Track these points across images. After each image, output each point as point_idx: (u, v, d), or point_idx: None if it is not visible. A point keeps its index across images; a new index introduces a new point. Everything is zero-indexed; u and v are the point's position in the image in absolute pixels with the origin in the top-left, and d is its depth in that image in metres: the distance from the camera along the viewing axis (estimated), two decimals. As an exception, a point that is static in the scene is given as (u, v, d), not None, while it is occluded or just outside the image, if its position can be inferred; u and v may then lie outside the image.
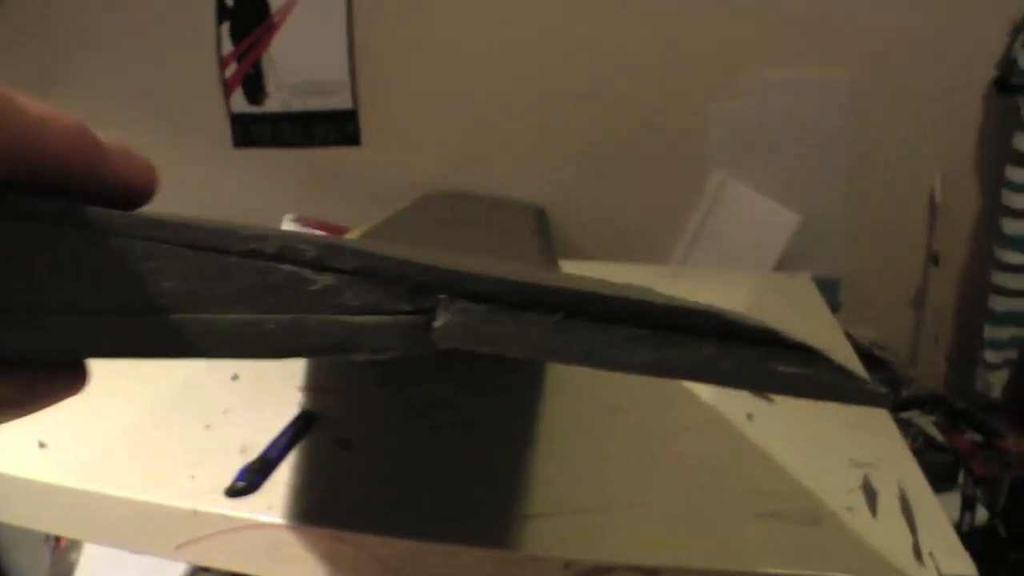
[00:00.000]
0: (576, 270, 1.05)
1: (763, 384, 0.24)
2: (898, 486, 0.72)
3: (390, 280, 0.22)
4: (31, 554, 1.48)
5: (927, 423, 1.82)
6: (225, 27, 2.31)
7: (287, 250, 0.21)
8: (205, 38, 2.35)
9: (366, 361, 0.32)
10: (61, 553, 1.30)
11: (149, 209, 0.24)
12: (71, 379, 0.22)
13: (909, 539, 0.65)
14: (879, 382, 0.83)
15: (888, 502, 0.70)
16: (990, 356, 2.12)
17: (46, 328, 0.20)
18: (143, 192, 0.23)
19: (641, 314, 0.22)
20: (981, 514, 1.61)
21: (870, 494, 0.71)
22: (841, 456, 0.77)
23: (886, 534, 0.65)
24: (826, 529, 0.66)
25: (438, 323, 0.22)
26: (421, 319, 0.22)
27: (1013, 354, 2.13)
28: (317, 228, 2.01)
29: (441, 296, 0.22)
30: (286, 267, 0.21)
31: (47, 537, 1.37)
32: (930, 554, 0.63)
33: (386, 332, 0.22)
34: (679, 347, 0.23)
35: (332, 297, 0.21)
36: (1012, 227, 2.03)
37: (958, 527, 1.54)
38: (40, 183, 0.20)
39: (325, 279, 0.21)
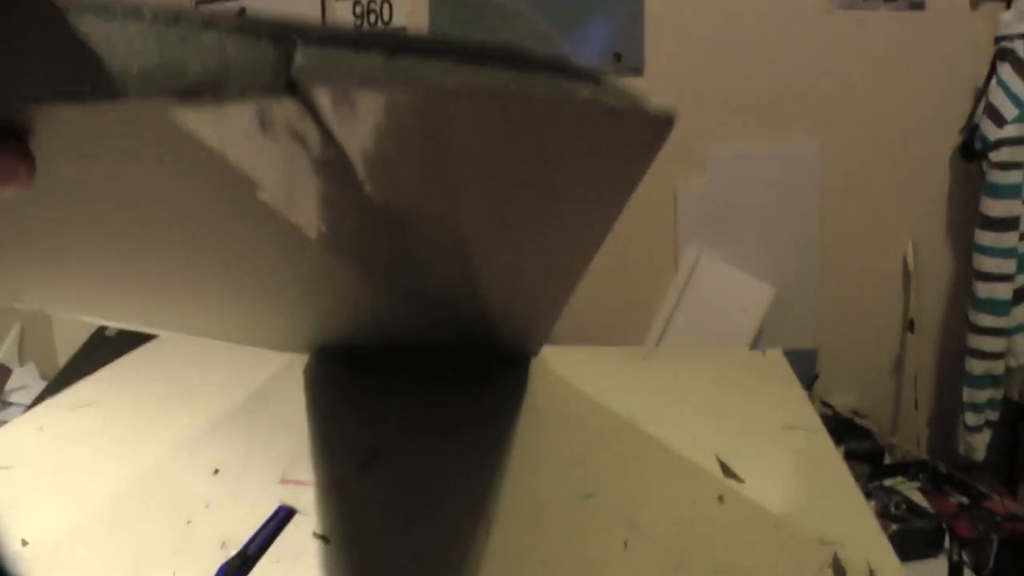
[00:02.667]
0: (551, 355, 1.07)
1: (561, 104, 0.28)
2: (867, 564, 0.73)
3: (257, 32, 0.27)
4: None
5: (911, 489, 1.82)
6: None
7: (183, 15, 0.26)
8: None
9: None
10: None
11: None
12: (21, 160, 0.27)
13: (878, 617, 0.66)
14: (861, 450, 0.84)
15: (858, 580, 0.71)
16: (970, 419, 2.14)
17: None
18: None
19: (453, 49, 0.27)
20: (969, 577, 1.61)
21: (839, 572, 0.72)
22: (811, 534, 0.78)
23: (855, 613, 0.67)
24: (796, 610, 0.67)
25: (296, 62, 0.26)
26: (282, 60, 0.26)
27: (993, 415, 2.15)
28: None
29: (297, 41, 0.27)
30: (185, 28, 0.26)
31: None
32: (898, 633, 0.64)
33: (255, 65, 0.26)
34: (485, 73, 0.27)
35: (217, 48, 0.26)
36: (985, 290, 2.06)
37: (945, 593, 1.54)
38: None
39: (210, 35, 0.26)
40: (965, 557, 1.61)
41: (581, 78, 0.29)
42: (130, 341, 1.25)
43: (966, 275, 2.15)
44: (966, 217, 2.18)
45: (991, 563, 1.67)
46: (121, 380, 1.17)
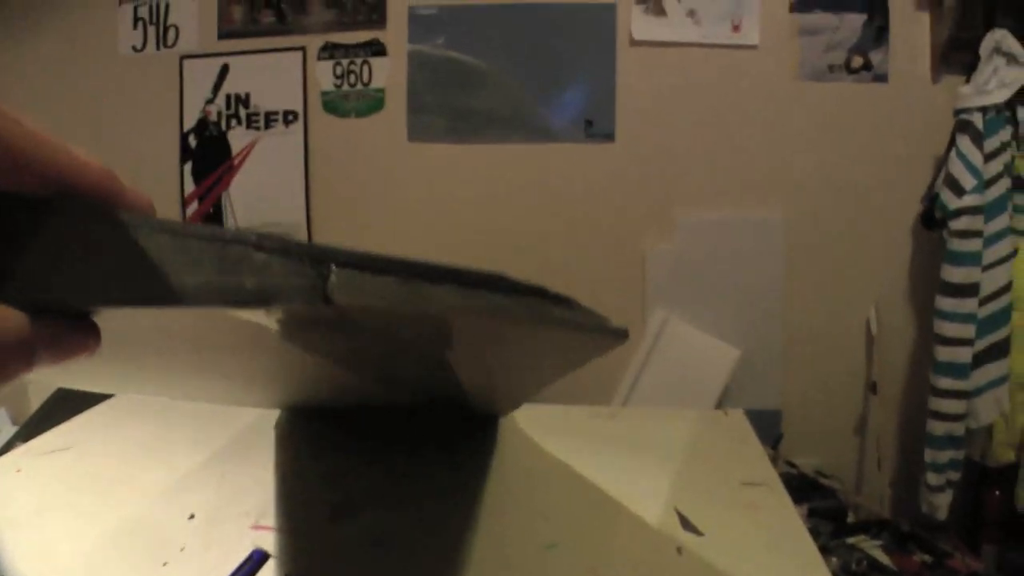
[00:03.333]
0: (520, 412, 1.10)
1: (541, 320, 0.36)
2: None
3: (299, 256, 0.32)
4: None
5: (873, 547, 1.85)
6: (188, 167, 2.39)
7: (238, 238, 0.31)
8: (169, 177, 2.42)
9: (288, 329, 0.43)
10: None
11: None
12: (89, 333, 0.32)
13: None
14: (825, 508, 0.88)
15: (809, 630, 0.74)
16: (932, 479, 2.17)
17: (72, 289, 0.29)
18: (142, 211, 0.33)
19: (455, 276, 0.34)
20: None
21: (792, 623, 0.75)
22: (766, 587, 0.81)
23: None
24: (748, 657, 0.70)
25: (330, 282, 0.32)
26: (320, 281, 0.32)
27: (955, 475, 2.19)
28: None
29: (332, 265, 0.33)
30: (237, 248, 0.31)
31: None
32: None
33: (298, 289, 0.32)
34: (482, 297, 0.34)
35: (265, 267, 0.32)
36: (945, 354, 2.11)
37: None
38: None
39: (261, 256, 0.32)
40: (926, 615, 1.64)
41: (558, 302, 0.37)
42: (105, 389, 1.26)
43: (927, 339, 2.20)
44: (927, 283, 2.24)
45: (953, 621, 1.70)
46: (97, 427, 1.19)
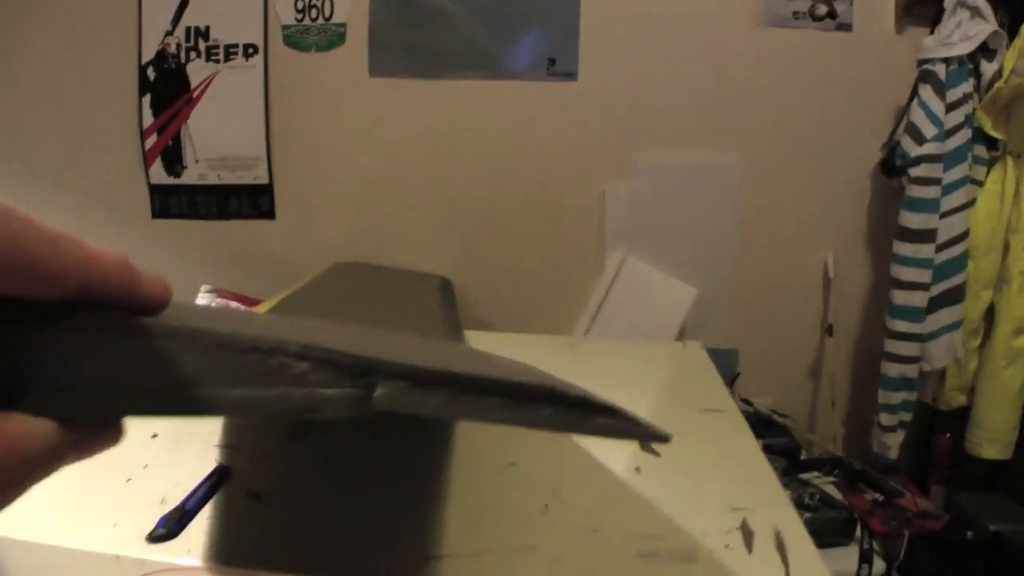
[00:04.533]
0: (479, 341, 1.11)
1: (585, 430, 0.36)
2: (773, 527, 0.78)
3: (345, 367, 0.32)
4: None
5: (826, 484, 1.88)
6: (146, 99, 2.35)
7: (279, 347, 0.31)
8: (127, 109, 2.38)
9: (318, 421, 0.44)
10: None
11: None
12: (115, 433, 0.31)
13: (782, 571, 0.70)
14: (779, 446, 0.89)
15: (764, 541, 0.76)
16: (884, 419, 2.21)
17: (104, 398, 0.29)
18: (162, 303, 0.31)
19: (502, 389, 0.35)
20: (879, 565, 1.66)
21: (747, 534, 0.77)
22: (722, 502, 0.83)
23: (760, 569, 0.71)
24: (703, 565, 0.71)
25: (377, 394, 0.33)
26: (366, 392, 0.33)
27: (907, 416, 2.23)
28: (233, 300, 2.03)
29: (378, 376, 0.33)
30: (279, 359, 0.31)
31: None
32: (798, 584, 0.69)
33: (343, 400, 0.32)
34: (530, 411, 0.35)
35: (309, 377, 0.32)
36: (901, 298, 2.14)
37: (855, 577, 1.60)
38: (99, 299, 0.29)
39: (303, 366, 0.31)
40: (876, 547, 1.68)
41: (602, 412, 0.37)
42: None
43: (883, 283, 2.23)
44: (885, 228, 2.26)
45: (901, 555, 1.74)
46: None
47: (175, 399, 0.29)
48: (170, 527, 0.74)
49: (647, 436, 0.39)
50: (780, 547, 0.75)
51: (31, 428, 0.26)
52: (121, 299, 0.29)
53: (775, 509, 0.83)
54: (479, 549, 0.72)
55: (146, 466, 0.87)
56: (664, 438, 0.40)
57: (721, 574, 0.70)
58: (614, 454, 0.92)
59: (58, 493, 0.81)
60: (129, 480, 0.84)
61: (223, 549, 0.71)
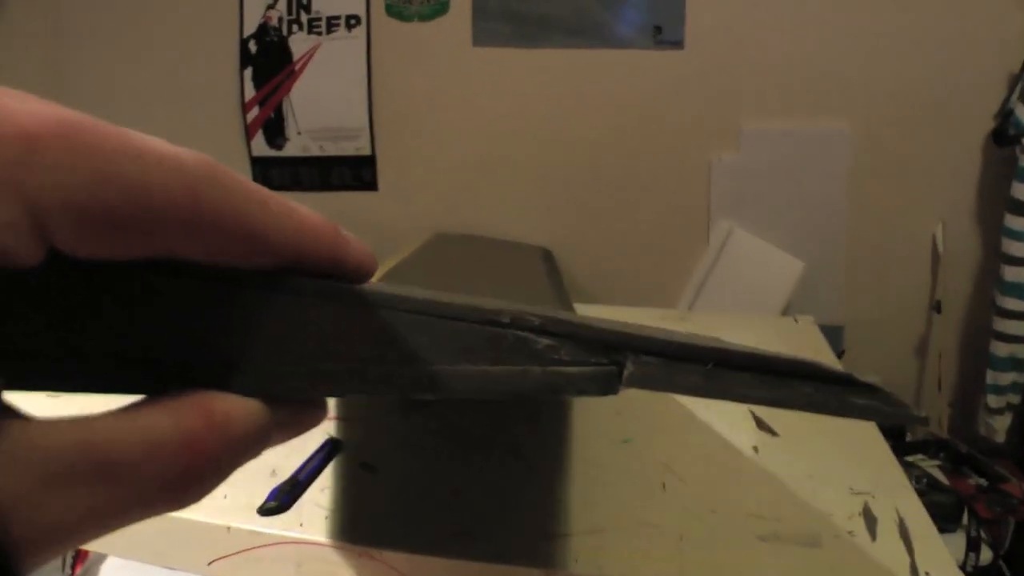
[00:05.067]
0: (587, 312, 1.09)
1: (844, 411, 0.33)
2: (897, 513, 0.76)
3: (591, 342, 0.30)
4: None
5: (931, 467, 1.84)
6: (248, 72, 2.38)
7: (518, 320, 0.29)
8: (228, 82, 2.42)
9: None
10: (80, 580, 1.33)
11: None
12: (321, 411, 0.30)
13: (907, 560, 0.68)
14: (883, 427, 0.86)
15: (887, 527, 0.74)
16: (992, 401, 2.15)
17: (318, 379, 0.27)
18: (368, 272, 0.30)
19: (762, 364, 0.31)
20: (986, 554, 1.62)
21: (870, 520, 0.75)
22: (842, 485, 0.81)
23: (885, 556, 0.69)
24: (827, 551, 0.70)
25: (627, 372, 0.30)
26: (614, 369, 0.30)
27: (1015, 399, 2.16)
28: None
29: (628, 352, 0.30)
30: (517, 332, 0.29)
31: (63, 564, 1.40)
32: (927, 573, 0.66)
33: (589, 379, 0.30)
34: (787, 388, 0.31)
35: (550, 353, 0.29)
36: (1012, 274, 2.06)
37: (962, 566, 1.56)
38: (306, 266, 0.27)
39: (545, 340, 0.29)
40: (983, 534, 1.63)
41: (864, 392, 0.34)
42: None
43: (994, 258, 2.16)
44: (996, 201, 2.18)
45: (1007, 544, 1.69)
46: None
47: (398, 376, 0.28)
48: (281, 499, 0.75)
49: (908, 419, 0.35)
50: (904, 534, 0.73)
51: (240, 410, 0.25)
52: (330, 267, 0.28)
53: (896, 494, 0.80)
54: (599, 526, 0.72)
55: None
56: (924, 421, 0.38)
57: (846, 560, 0.69)
58: (730, 432, 0.91)
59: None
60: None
61: (337, 523, 0.72)
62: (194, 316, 0.25)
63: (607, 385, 0.30)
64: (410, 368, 0.28)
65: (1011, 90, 2.13)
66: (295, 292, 0.26)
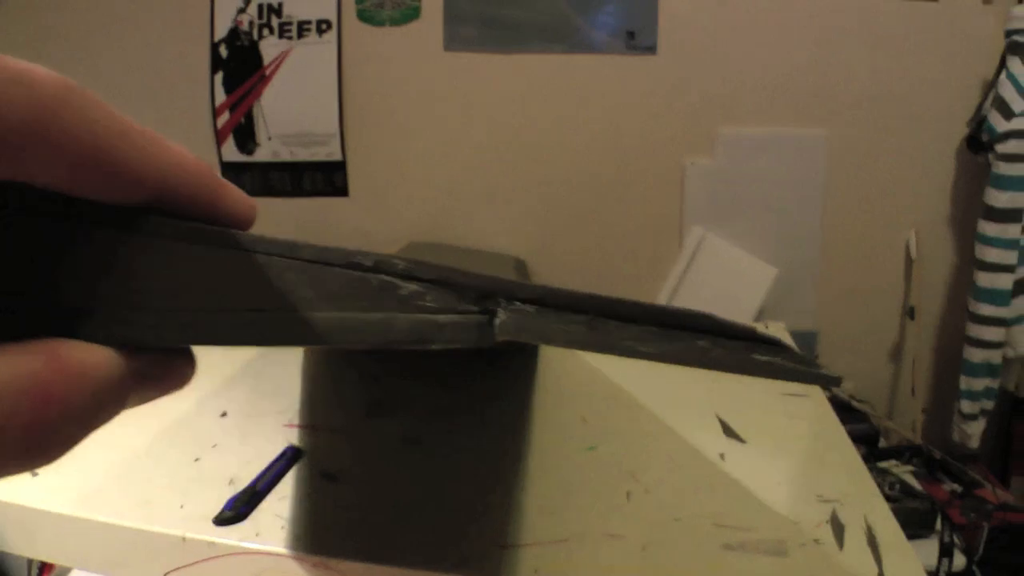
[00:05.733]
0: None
1: (746, 368, 0.31)
2: (865, 521, 0.75)
3: (461, 288, 0.28)
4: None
5: (904, 473, 1.84)
6: (219, 77, 2.36)
7: (382, 264, 0.27)
8: (199, 87, 2.40)
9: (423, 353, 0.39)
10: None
11: None
12: (186, 368, 0.27)
13: (875, 569, 0.67)
14: (857, 432, 0.85)
15: (855, 535, 0.73)
16: (966, 406, 2.16)
17: (177, 320, 0.25)
18: (246, 221, 0.28)
19: (652, 316, 0.29)
20: (959, 560, 1.62)
21: (837, 528, 0.74)
22: (810, 493, 0.80)
23: (853, 565, 0.68)
24: (793, 560, 0.68)
25: (498, 320, 0.28)
26: (485, 317, 0.28)
27: (989, 404, 2.17)
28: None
29: (500, 299, 0.28)
30: (381, 276, 0.27)
31: (29, 571, 1.37)
32: (893, 583, 0.65)
33: (458, 327, 0.28)
34: (681, 341, 0.30)
35: (416, 300, 0.27)
36: (986, 280, 2.07)
37: (936, 572, 1.56)
38: (175, 209, 0.25)
39: (411, 286, 0.27)
40: (956, 540, 1.63)
41: (767, 347, 0.32)
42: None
43: (967, 264, 2.17)
44: (969, 207, 2.20)
45: (981, 549, 1.69)
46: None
47: (261, 322, 0.26)
48: (239, 509, 0.73)
49: (816, 379, 0.33)
50: (872, 543, 0.72)
51: (92, 356, 0.22)
52: (202, 211, 0.26)
53: (865, 501, 0.79)
54: (562, 536, 0.70)
55: (215, 445, 0.86)
56: (835, 381, 0.34)
57: (813, 569, 0.67)
58: (696, 439, 0.90)
59: (125, 470, 0.81)
60: (198, 459, 0.84)
61: (294, 533, 0.70)
62: (46, 257, 0.24)
63: (478, 334, 0.28)
64: (273, 315, 0.26)
65: (984, 97, 2.14)
66: (155, 232, 0.24)
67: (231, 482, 0.78)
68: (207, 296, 0.25)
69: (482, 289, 0.28)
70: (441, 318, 0.27)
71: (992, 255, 2.06)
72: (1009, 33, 2.06)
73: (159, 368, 0.26)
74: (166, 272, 0.25)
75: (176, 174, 0.25)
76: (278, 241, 0.26)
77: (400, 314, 0.27)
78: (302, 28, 2.30)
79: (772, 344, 0.31)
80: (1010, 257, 2.04)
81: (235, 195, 0.27)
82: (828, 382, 0.34)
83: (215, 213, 0.26)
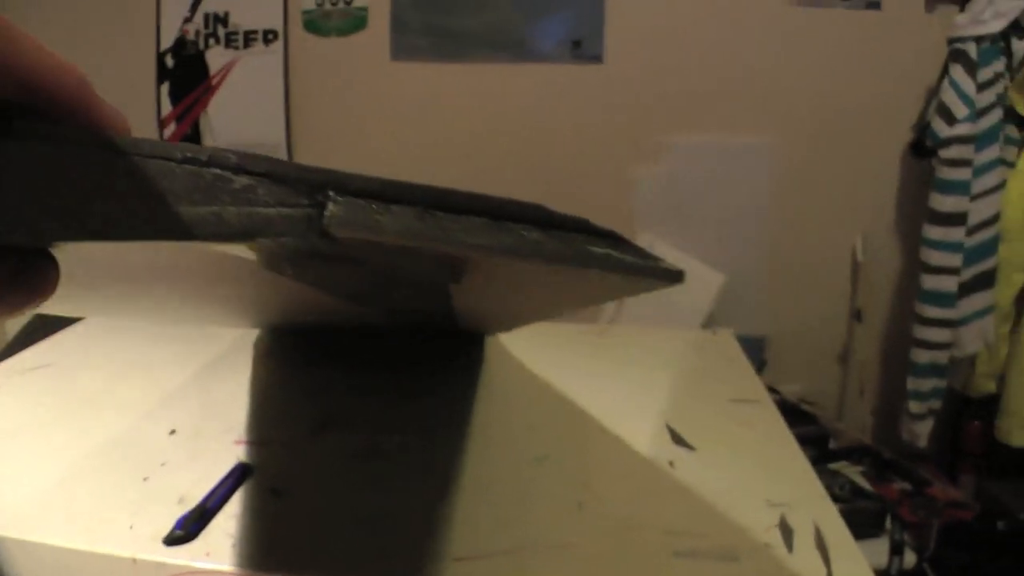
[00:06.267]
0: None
1: (580, 260, 0.30)
2: (813, 524, 0.76)
3: (292, 181, 0.27)
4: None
5: (855, 473, 1.86)
6: (165, 87, 2.34)
7: (214, 158, 0.26)
8: (145, 97, 2.37)
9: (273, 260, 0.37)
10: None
11: None
12: (47, 269, 0.27)
13: (824, 570, 0.68)
14: (807, 435, 0.86)
15: (804, 538, 0.73)
16: (914, 407, 2.19)
17: (27, 225, 0.24)
18: (119, 131, 0.27)
19: (483, 208, 0.29)
20: (910, 558, 1.64)
21: (786, 531, 0.74)
22: (759, 498, 0.80)
23: (802, 567, 0.69)
24: (744, 565, 0.69)
25: (328, 213, 0.27)
26: (315, 211, 0.27)
27: (937, 404, 2.20)
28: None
29: (331, 192, 0.28)
30: (214, 170, 0.26)
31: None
32: (842, 585, 0.66)
33: (288, 220, 0.27)
34: (512, 232, 0.29)
35: (247, 193, 0.27)
36: (931, 282, 2.11)
37: (887, 571, 1.58)
38: (34, 107, 0.25)
39: (243, 180, 0.27)
40: (907, 538, 1.65)
41: (603, 239, 0.32)
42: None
43: (913, 268, 2.20)
44: (915, 212, 2.23)
45: (932, 547, 1.72)
46: (77, 344, 1.17)
47: (106, 219, 0.25)
48: (189, 528, 0.72)
49: (657, 273, 0.32)
50: (820, 545, 0.73)
51: None
52: (70, 117, 0.25)
53: (813, 504, 0.80)
54: (514, 547, 0.70)
55: (163, 464, 0.85)
56: (675, 276, 0.34)
57: (764, 573, 0.68)
58: (646, 448, 0.90)
59: (71, 491, 0.80)
60: (146, 479, 0.82)
61: (245, 551, 0.69)
62: None
63: (307, 227, 0.27)
64: (115, 211, 0.25)
65: (928, 103, 2.18)
66: (5, 131, 0.24)
67: (181, 501, 0.77)
68: (62, 194, 0.25)
69: (313, 182, 0.28)
70: (271, 211, 0.27)
71: (937, 258, 2.09)
72: (951, 41, 2.10)
73: (21, 274, 0.26)
74: (16, 172, 0.24)
75: (51, 77, 0.25)
76: (122, 140, 0.26)
77: (231, 207, 0.26)
78: (248, 38, 2.29)
79: (608, 237, 0.31)
80: (955, 260, 2.08)
81: (109, 109, 0.27)
82: (668, 276, 0.34)
83: (87, 120, 0.26)
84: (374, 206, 0.28)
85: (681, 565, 0.69)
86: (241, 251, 0.33)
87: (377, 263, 0.42)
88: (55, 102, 0.25)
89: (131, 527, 0.73)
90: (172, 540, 0.71)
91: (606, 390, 1.03)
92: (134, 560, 0.69)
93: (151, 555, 0.69)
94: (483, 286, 0.51)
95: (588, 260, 0.30)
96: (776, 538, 0.73)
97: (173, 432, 0.93)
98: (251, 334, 1.10)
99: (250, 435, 0.90)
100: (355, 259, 0.37)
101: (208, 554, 0.69)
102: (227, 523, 0.74)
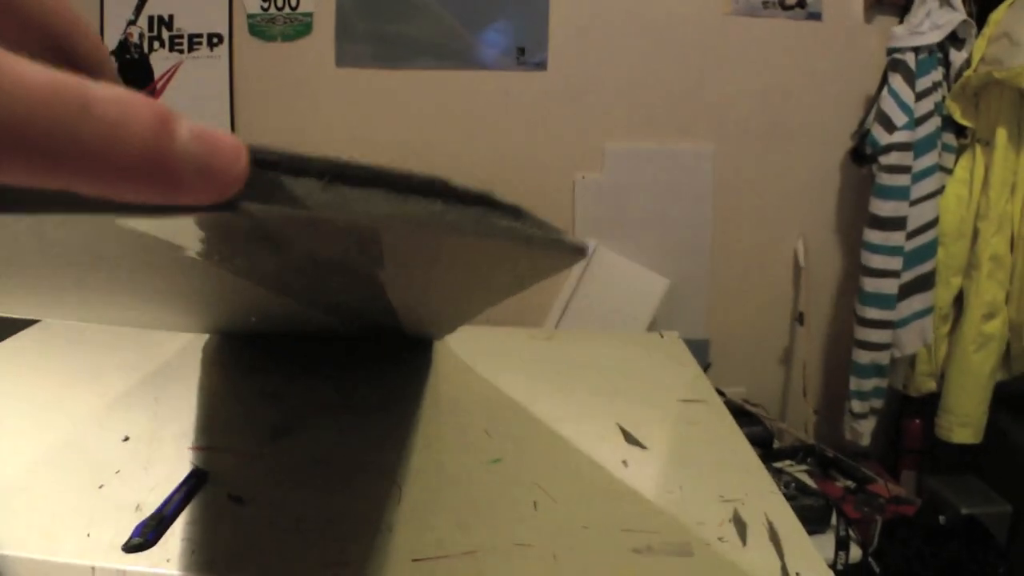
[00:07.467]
0: (454, 334, 1.09)
1: (483, 232, 0.30)
2: (765, 517, 0.77)
3: None
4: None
5: (799, 472, 1.89)
6: (106, 94, 2.31)
7: None
8: (87, 102, 2.34)
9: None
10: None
11: None
12: None
13: (778, 563, 0.70)
14: (752, 435, 0.87)
15: (757, 532, 0.75)
16: (856, 406, 2.23)
17: None
18: (98, 64, 0.28)
19: (384, 180, 0.29)
20: (855, 552, 1.67)
21: (740, 525, 0.76)
22: (711, 494, 0.82)
23: (756, 560, 0.70)
24: (699, 559, 0.70)
25: None
26: None
27: (878, 403, 2.24)
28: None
29: None
30: None
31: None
32: (797, 574, 0.68)
33: None
34: (417, 205, 0.29)
35: None
36: (871, 285, 2.15)
37: (832, 566, 1.60)
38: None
39: None
40: (852, 534, 1.68)
41: (506, 212, 0.31)
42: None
43: (854, 271, 2.24)
44: (855, 216, 2.28)
45: (875, 541, 1.75)
46: (23, 351, 1.15)
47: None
48: (147, 535, 0.71)
49: (559, 246, 0.33)
50: (773, 538, 0.74)
51: None
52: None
53: (765, 498, 0.82)
54: (471, 548, 0.71)
55: (118, 471, 0.84)
56: (580, 250, 0.34)
57: (719, 567, 0.69)
58: (599, 448, 0.91)
59: (25, 499, 0.79)
60: (101, 486, 0.81)
61: (204, 557, 0.69)
62: None
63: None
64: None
65: (867, 111, 2.23)
66: None
67: (138, 508, 0.76)
68: None
69: None
70: None
71: (877, 261, 2.14)
72: (890, 51, 2.15)
73: None
74: None
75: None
76: None
77: None
78: (193, 41, 2.26)
79: (510, 209, 0.31)
80: (895, 263, 2.12)
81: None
82: (571, 250, 0.34)
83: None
84: (279, 177, 0.27)
85: (638, 561, 0.70)
86: (165, 233, 0.32)
87: (298, 245, 0.41)
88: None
89: (88, 535, 0.72)
90: (131, 547, 0.70)
91: (557, 393, 1.04)
92: (93, 569, 0.68)
93: (110, 563, 0.69)
94: (406, 273, 0.52)
95: (490, 230, 0.31)
96: (730, 532, 0.75)
97: (127, 439, 0.92)
98: (200, 339, 1.09)
99: (204, 441, 0.90)
100: (273, 239, 0.36)
101: (168, 560, 0.69)
102: (186, 529, 0.74)
